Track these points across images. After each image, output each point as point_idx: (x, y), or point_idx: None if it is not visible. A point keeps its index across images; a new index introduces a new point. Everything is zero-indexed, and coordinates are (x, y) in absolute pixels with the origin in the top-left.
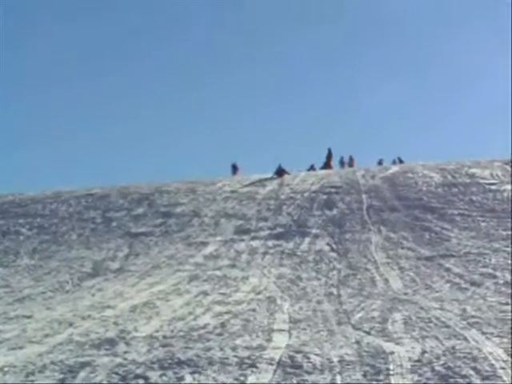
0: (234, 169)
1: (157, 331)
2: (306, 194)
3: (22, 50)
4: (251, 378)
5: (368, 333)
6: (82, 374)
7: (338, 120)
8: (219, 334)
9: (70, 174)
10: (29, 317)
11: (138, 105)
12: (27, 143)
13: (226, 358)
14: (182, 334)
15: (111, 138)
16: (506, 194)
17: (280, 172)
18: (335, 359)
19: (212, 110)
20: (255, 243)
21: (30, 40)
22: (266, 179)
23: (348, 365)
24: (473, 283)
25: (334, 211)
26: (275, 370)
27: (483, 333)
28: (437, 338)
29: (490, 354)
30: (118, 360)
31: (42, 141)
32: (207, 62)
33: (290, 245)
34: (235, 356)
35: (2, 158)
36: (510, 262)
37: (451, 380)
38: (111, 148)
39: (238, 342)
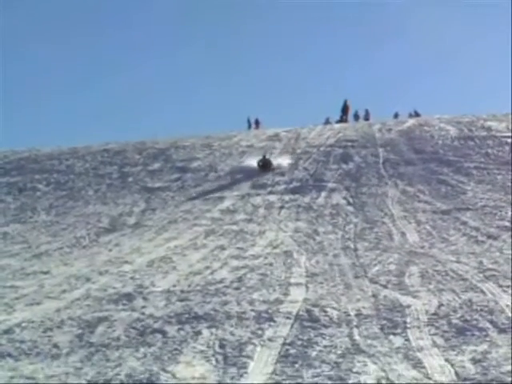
0: (256, 124)
1: (174, 286)
2: (321, 148)
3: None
4: (268, 332)
5: (385, 286)
6: (100, 329)
7: (352, 72)
8: (236, 288)
9: (86, 129)
10: (46, 272)
11: (154, 59)
12: (43, 99)
13: (243, 312)
14: (198, 288)
15: (127, 93)
16: None
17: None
18: (352, 313)
19: (228, 63)
20: (272, 197)
21: None
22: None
23: (365, 318)
24: (489, 236)
25: (350, 165)
26: (292, 324)
27: (500, 285)
28: (453, 291)
29: (507, 306)
30: (136, 315)
31: (58, 96)
32: (221, 12)
33: (307, 199)
34: (252, 310)
35: (18, 113)
36: None
37: (468, 333)
38: (127, 103)
39: (255, 296)
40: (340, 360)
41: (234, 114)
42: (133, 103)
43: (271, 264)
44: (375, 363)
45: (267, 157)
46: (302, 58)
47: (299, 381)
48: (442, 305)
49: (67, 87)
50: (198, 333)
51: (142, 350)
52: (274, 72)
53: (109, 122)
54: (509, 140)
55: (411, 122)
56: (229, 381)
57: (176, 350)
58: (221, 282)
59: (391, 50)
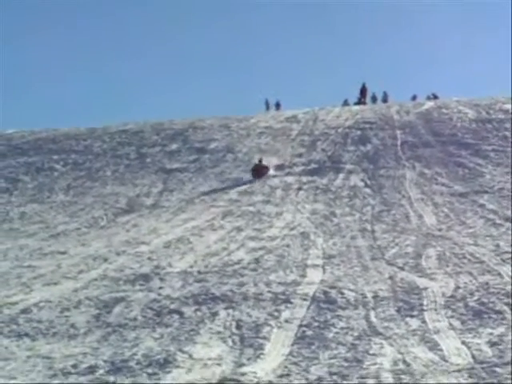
0: (277, 106)
1: (191, 267)
2: (339, 130)
3: None
4: (285, 314)
5: (402, 268)
6: (117, 310)
7: (371, 55)
8: (253, 270)
9: (104, 110)
10: (63, 253)
11: (173, 39)
12: (61, 79)
13: (261, 294)
14: (216, 269)
15: (146, 74)
16: None
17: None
18: (369, 295)
19: (246, 44)
20: (289, 179)
21: None
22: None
23: (382, 300)
24: (507, 219)
25: (368, 147)
26: (309, 306)
27: None
28: (470, 274)
29: None
30: (153, 295)
31: (75, 76)
32: None
33: (324, 180)
34: (269, 291)
35: (36, 94)
36: None
37: (485, 315)
38: (145, 84)
39: (272, 277)
40: (356, 342)
41: (252, 95)
42: (151, 84)
43: (288, 245)
44: (392, 345)
45: (263, 162)
46: (320, 40)
47: (315, 362)
48: (459, 287)
49: (85, 68)
50: (215, 314)
51: (158, 330)
52: (293, 54)
53: (127, 102)
54: None
55: (429, 104)
56: (245, 362)
57: (193, 330)
58: (238, 263)
59: (411, 32)
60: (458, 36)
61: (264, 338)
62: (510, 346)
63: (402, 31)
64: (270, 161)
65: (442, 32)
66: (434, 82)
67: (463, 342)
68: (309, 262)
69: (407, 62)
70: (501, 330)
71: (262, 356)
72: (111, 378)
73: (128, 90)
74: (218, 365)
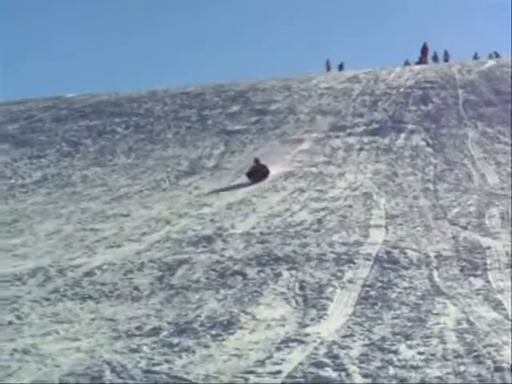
0: (340, 67)
1: (253, 228)
2: (401, 90)
3: None
4: (348, 274)
5: (465, 228)
6: (180, 272)
7: (432, 13)
8: (316, 230)
9: (165, 72)
10: (126, 215)
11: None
12: (121, 41)
13: (323, 254)
14: (278, 230)
15: (205, 35)
16: None
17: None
18: (432, 254)
19: (307, 4)
20: (351, 139)
21: None
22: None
23: (445, 260)
24: None
25: (430, 106)
26: (372, 266)
27: None
28: None
29: None
30: (216, 257)
31: (135, 39)
32: None
33: (386, 140)
34: (332, 252)
35: (97, 56)
36: None
37: None
38: (205, 45)
39: (335, 238)
40: (420, 302)
41: (313, 56)
42: (211, 46)
43: (351, 206)
44: (455, 305)
45: (260, 162)
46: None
47: (379, 322)
48: None
49: (146, 30)
50: (278, 275)
51: (222, 291)
52: (353, 14)
53: (187, 64)
54: None
55: (491, 62)
56: (309, 322)
57: (256, 291)
58: (300, 224)
59: None
60: None
61: (327, 298)
62: None
63: None
64: (272, 160)
65: None
66: (496, 40)
67: None
68: (371, 223)
69: (468, 20)
70: None
71: (325, 316)
72: (175, 340)
73: (188, 52)
74: (282, 326)
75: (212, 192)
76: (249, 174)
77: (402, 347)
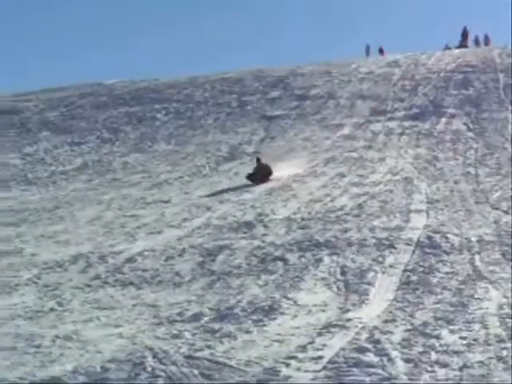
0: (380, 52)
1: (294, 213)
2: (441, 74)
3: None
4: (389, 259)
5: (506, 212)
6: (221, 257)
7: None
8: (357, 216)
9: (204, 58)
10: (167, 201)
11: None
12: (162, 28)
13: (364, 240)
14: (319, 215)
15: (245, 21)
16: None
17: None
18: (473, 239)
19: None
20: (391, 124)
21: None
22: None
23: (486, 244)
24: None
25: (471, 90)
26: (413, 251)
27: None
28: None
29: None
30: (257, 242)
31: (176, 25)
32: None
33: (427, 125)
34: (373, 237)
35: (137, 43)
36: None
37: None
38: (244, 31)
39: (376, 223)
40: (461, 286)
41: (353, 40)
42: (250, 31)
43: (391, 191)
44: (497, 289)
45: (262, 161)
46: None
47: (420, 307)
48: None
49: (185, 16)
50: (319, 260)
51: (263, 277)
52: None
53: (226, 50)
54: None
55: None
56: (350, 307)
57: (297, 277)
58: (341, 209)
59: None
60: None
61: (368, 283)
62: None
63: None
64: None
65: None
66: None
67: None
68: (412, 207)
69: (509, 3)
70: None
71: (366, 302)
72: (216, 326)
73: (227, 38)
74: (323, 311)
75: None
76: (250, 176)
77: (444, 332)
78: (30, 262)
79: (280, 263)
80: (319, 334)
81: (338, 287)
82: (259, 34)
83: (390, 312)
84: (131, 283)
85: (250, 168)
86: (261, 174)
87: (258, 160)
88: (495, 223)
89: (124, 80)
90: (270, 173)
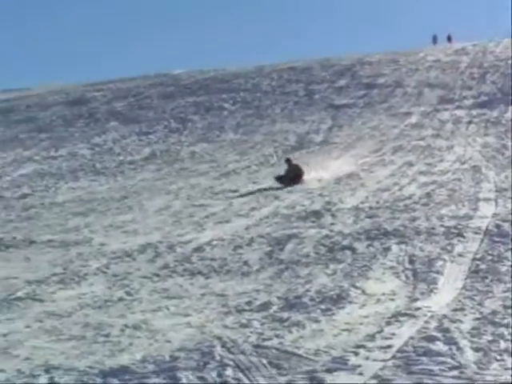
0: (448, 39)
1: (362, 202)
2: (509, 62)
3: None
4: (458, 248)
5: None
6: (289, 246)
7: None
8: (425, 204)
9: (272, 47)
10: (235, 191)
11: None
12: (228, 17)
13: (433, 228)
14: (387, 204)
15: (313, 9)
16: None
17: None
18: None
19: None
20: (459, 112)
21: None
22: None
23: None
24: None
25: None
26: (482, 239)
27: None
28: None
29: None
30: (325, 231)
31: (243, 15)
32: None
33: (495, 113)
34: (441, 226)
35: (204, 33)
36: None
37: None
38: (310, 20)
39: (444, 211)
40: None
41: (419, 29)
42: (318, 20)
43: (460, 179)
44: None
45: (293, 162)
46: None
47: (490, 296)
48: None
49: (252, 6)
50: (388, 249)
51: (331, 266)
52: None
53: (294, 39)
54: None
55: None
56: (419, 296)
57: (365, 266)
58: (409, 198)
59: None
60: None
61: (437, 272)
62: None
63: None
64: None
65: None
66: None
67: None
68: (481, 196)
69: None
70: None
71: (435, 290)
72: (285, 315)
73: (294, 28)
74: (392, 300)
75: (320, 166)
76: (279, 178)
77: None
78: (99, 251)
79: (348, 252)
80: (388, 323)
81: (406, 276)
82: (326, 24)
83: (459, 301)
84: (199, 272)
85: (318, 156)
86: (291, 175)
87: (289, 161)
88: None
89: (191, 70)
90: (300, 174)
